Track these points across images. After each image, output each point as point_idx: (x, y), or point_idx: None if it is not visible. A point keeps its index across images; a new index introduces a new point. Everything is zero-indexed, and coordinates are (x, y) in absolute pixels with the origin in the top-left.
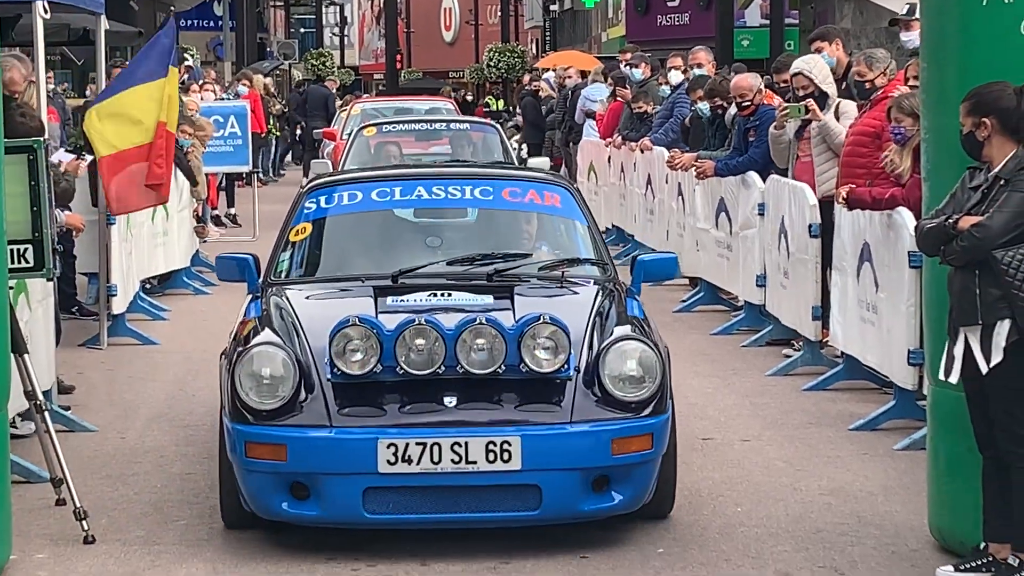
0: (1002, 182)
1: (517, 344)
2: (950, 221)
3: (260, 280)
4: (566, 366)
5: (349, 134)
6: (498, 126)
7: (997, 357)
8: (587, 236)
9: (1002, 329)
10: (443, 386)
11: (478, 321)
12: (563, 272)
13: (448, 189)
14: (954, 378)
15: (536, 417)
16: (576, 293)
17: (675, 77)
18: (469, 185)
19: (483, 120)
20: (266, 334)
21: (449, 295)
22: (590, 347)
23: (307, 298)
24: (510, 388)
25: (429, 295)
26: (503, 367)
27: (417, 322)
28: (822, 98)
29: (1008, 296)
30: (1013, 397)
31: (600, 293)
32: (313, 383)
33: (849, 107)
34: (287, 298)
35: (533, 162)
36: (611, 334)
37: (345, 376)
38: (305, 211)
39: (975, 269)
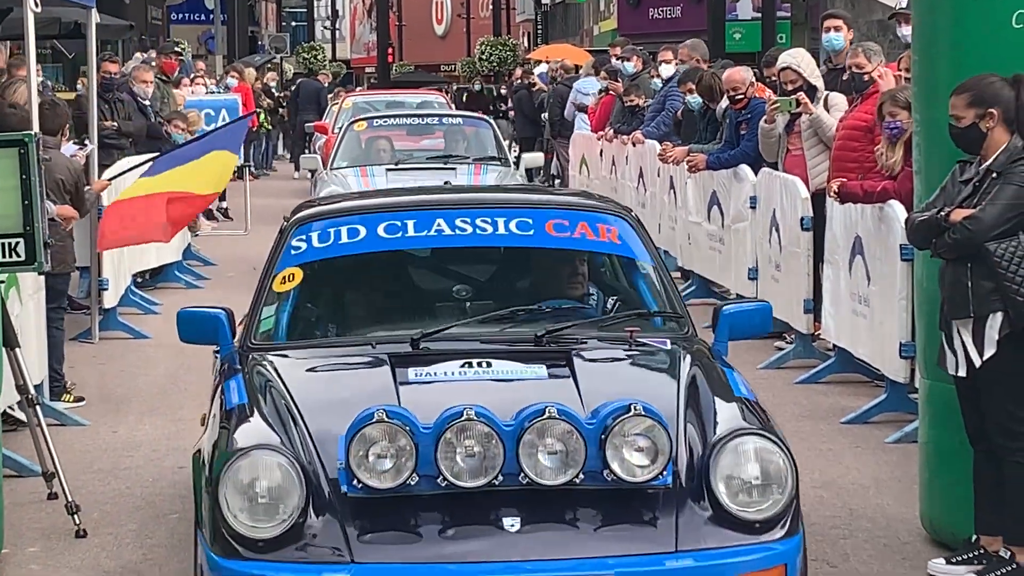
0: (994, 175)
1: (600, 444)
2: (942, 214)
3: (236, 343)
4: (664, 472)
5: (340, 127)
6: (491, 120)
7: (990, 350)
8: (655, 280)
9: (994, 322)
10: (501, 502)
11: (547, 413)
12: (632, 332)
13: (476, 221)
14: (963, 371)
15: (630, 544)
16: (655, 361)
17: (666, 71)
18: (503, 216)
19: (476, 115)
20: (258, 430)
21: (489, 365)
22: (691, 443)
23: (306, 372)
24: (591, 503)
25: (463, 366)
26: (581, 475)
27: (465, 415)
28: (810, 91)
29: (1001, 288)
30: (1006, 390)
31: (686, 360)
32: (325, 500)
33: (838, 99)
34: (277, 372)
35: (527, 158)
36: (719, 424)
37: (368, 490)
38: (293, 252)
39: (967, 262)
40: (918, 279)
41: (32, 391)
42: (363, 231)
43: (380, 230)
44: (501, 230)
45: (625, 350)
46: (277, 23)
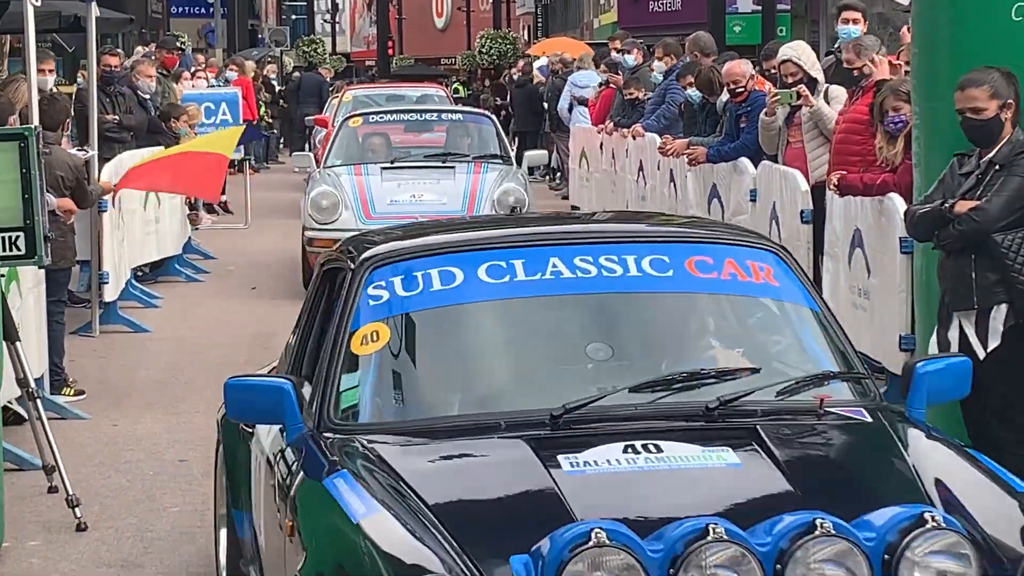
0: (997, 167)
1: (885, 567)
2: (946, 205)
3: (310, 422)
4: None
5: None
6: (493, 116)
7: (994, 342)
8: (823, 331)
9: (999, 313)
10: None
11: (819, 530)
12: (822, 401)
13: (600, 260)
14: None
15: None
16: (867, 439)
17: (659, 67)
18: (632, 253)
19: (477, 110)
20: (418, 553)
21: (658, 449)
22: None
23: (428, 464)
24: None
25: (625, 450)
26: None
27: (711, 533)
28: (811, 84)
29: (1007, 279)
30: (1009, 382)
31: (910, 438)
32: None
33: (838, 92)
34: (387, 465)
35: (530, 156)
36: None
37: None
38: (372, 303)
39: (971, 254)
40: (918, 272)
41: (32, 385)
42: (459, 275)
43: (481, 273)
44: (632, 271)
45: (816, 423)
46: (277, 16)
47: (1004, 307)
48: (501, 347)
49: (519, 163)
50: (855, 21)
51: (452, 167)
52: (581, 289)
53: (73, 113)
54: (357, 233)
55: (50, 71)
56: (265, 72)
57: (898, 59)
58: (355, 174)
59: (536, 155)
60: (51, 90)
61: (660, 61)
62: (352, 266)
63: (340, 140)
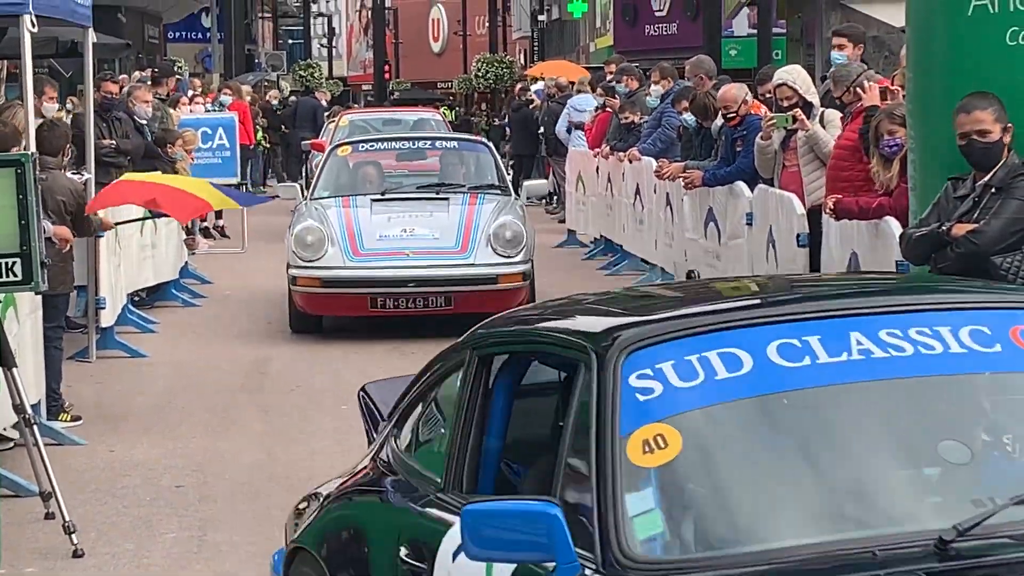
0: (993, 190)
1: None
2: (943, 228)
3: (597, 558)
4: None
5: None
6: (490, 144)
7: None
8: None
9: None
10: None
11: None
12: None
13: (910, 334)
14: None
15: None
16: None
17: (656, 92)
18: (946, 324)
19: (473, 138)
20: None
21: None
22: None
23: None
24: None
25: None
26: None
27: None
28: (806, 108)
29: None
30: None
31: None
32: None
33: (833, 116)
34: None
35: (529, 186)
36: None
37: None
38: (641, 399)
39: (971, 277)
40: None
41: (29, 411)
42: (747, 359)
43: (772, 354)
44: (953, 346)
45: None
46: (274, 41)
47: None
48: (831, 448)
49: (517, 192)
50: (840, 47)
51: (446, 199)
52: (899, 372)
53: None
54: (538, 307)
55: (51, 98)
56: (268, 97)
57: (893, 83)
58: (343, 206)
59: (536, 186)
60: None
61: (657, 85)
62: (593, 349)
63: (328, 170)
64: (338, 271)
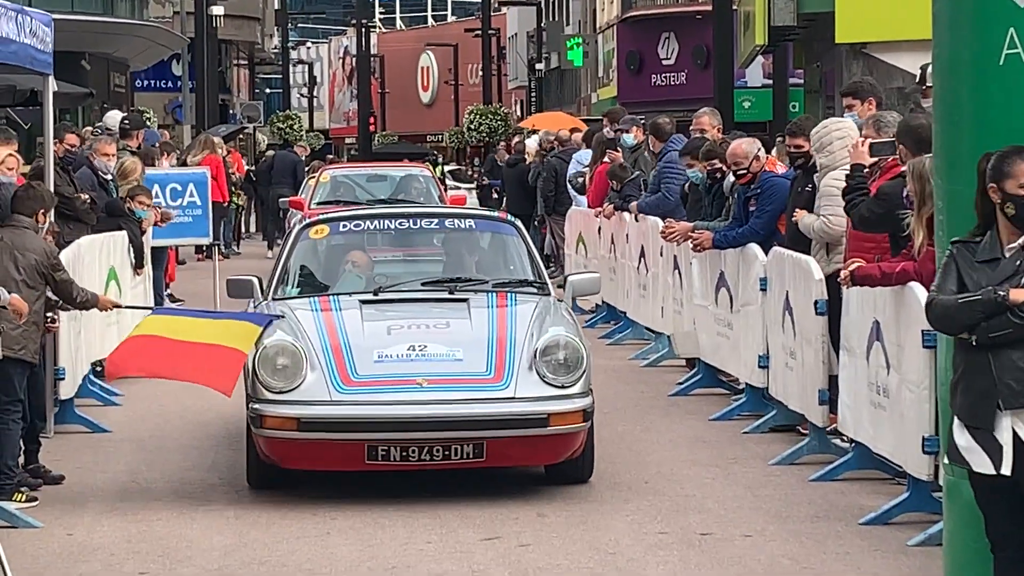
0: None
1: None
2: (1000, 294)
3: None
4: None
5: (318, 203)
6: (519, 224)
7: None
8: None
9: None
10: None
11: None
12: None
13: None
14: (1007, 469)
15: None
16: None
17: (628, 140)
18: None
19: (495, 214)
20: None
21: None
22: None
23: None
24: None
25: None
26: None
27: None
28: (809, 166)
29: None
30: None
31: None
32: None
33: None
34: None
35: (576, 281)
36: None
37: None
38: None
39: None
40: (942, 368)
41: None
42: None
43: None
44: None
45: None
46: (250, 91)
47: None
48: None
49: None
50: (850, 107)
51: (464, 300)
52: None
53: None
54: None
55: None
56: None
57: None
58: (322, 310)
59: (586, 281)
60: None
61: (629, 134)
62: None
63: (297, 257)
64: (322, 408)
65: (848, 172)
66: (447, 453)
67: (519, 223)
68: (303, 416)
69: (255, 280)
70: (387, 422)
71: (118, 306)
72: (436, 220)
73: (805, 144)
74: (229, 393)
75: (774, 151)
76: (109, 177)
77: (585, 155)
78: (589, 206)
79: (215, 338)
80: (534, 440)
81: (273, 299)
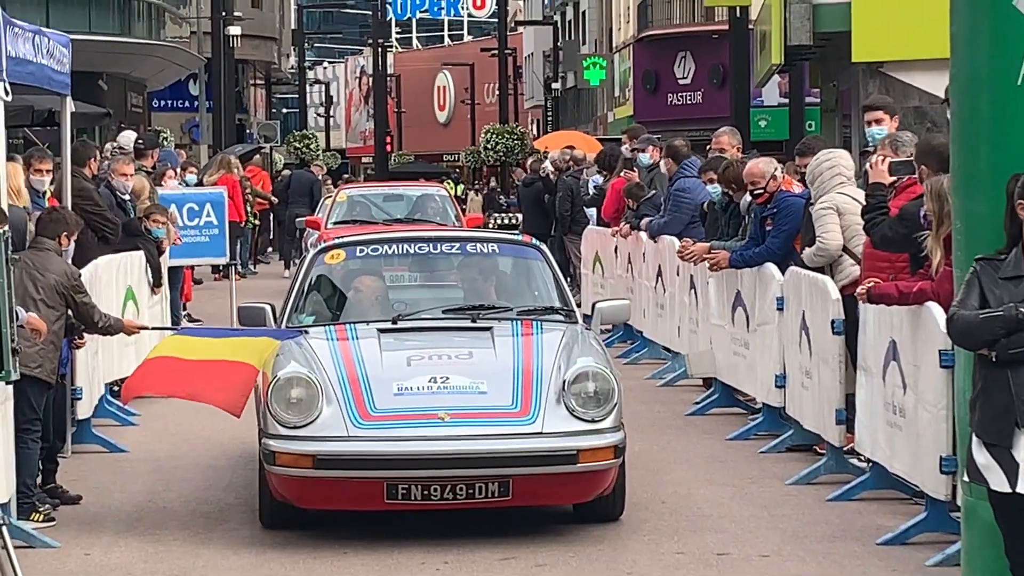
0: None
1: None
2: (1021, 310)
3: None
4: None
5: (335, 223)
6: (544, 248)
7: None
8: None
9: None
10: None
11: None
12: None
13: None
14: (1023, 487)
15: None
16: None
17: (644, 159)
18: None
19: (519, 238)
20: None
21: None
22: None
23: None
24: None
25: None
26: None
27: None
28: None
29: None
30: None
31: None
32: None
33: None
34: None
35: (604, 308)
36: None
37: None
38: None
39: None
40: (959, 387)
41: None
42: None
43: None
44: None
45: None
46: (267, 110)
47: None
48: None
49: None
50: (878, 121)
51: (488, 328)
52: None
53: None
54: None
55: (48, 171)
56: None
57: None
58: (338, 339)
59: (615, 308)
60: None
61: (645, 153)
62: None
63: (312, 283)
64: (339, 444)
65: (868, 192)
66: (471, 492)
67: (544, 247)
68: (319, 453)
69: (267, 308)
70: (408, 459)
71: (144, 328)
72: (457, 244)
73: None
74: (238, 414)
75: (780, 170)
76: (127, 197)
77: (599, 179)
78: (601, 218)
79: (229, 354)
80: (563, 478)
81: (287, 326)
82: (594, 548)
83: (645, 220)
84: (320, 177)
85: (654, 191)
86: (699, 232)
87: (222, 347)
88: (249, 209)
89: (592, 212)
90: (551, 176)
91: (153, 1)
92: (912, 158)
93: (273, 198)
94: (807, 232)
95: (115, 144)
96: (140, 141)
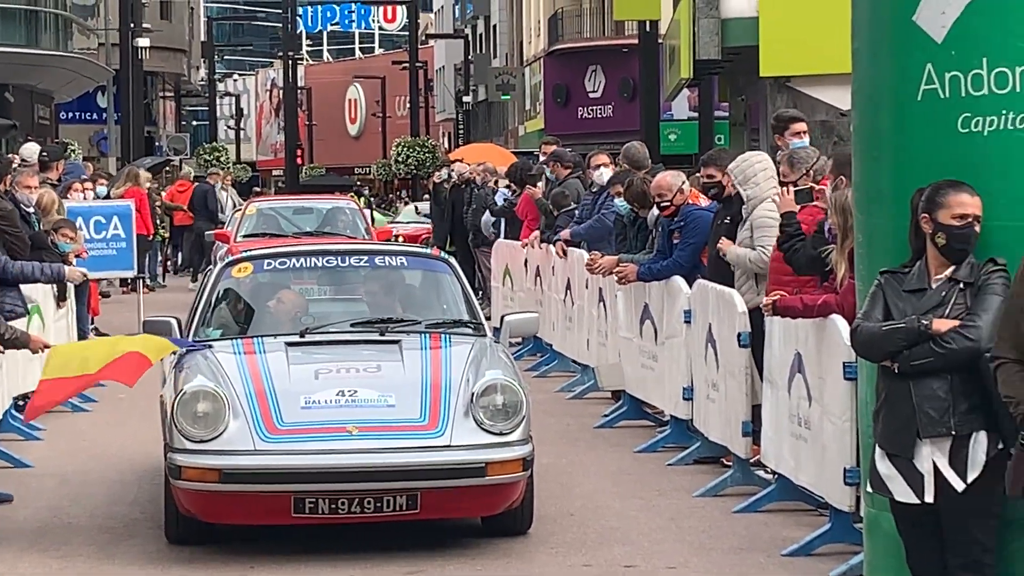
0: (961, 285)
1: None
2: (924, 323)
3: None
4: None
5: (244, 236)
6: (452, 262)
7: (974, 472)
8: None
9: (978, 442)
10: None
11: None
12: None
13: None
14: (930, 496)
15: None
16: None
17: (604, 175)
18: None
19: (428, 252)
20: None
21: None
22: None
23: None
24: None
25: None
26: None
27: None
28: (727, 199)
29: (996, 404)
30: (980, 518)
31: None
32: None
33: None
34: None
35: (512, 321)
36: None
37: None
38: None
39: (947, 376)
40: (862, 400)
41: None
42: None
43: None
44: None
45: None
46: (176, 122)
47: (983, 434)
48: None
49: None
50: (804, 133)
51: (396, 341)
52: None
53: None
54: None
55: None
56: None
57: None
58: (245, 352)
59: (523, 321)
60: None
61: (607, 168)
62: None
63: (219, 296)
64: (245, 458)
65: (782, 222)
66: (379, 505)
67: (453, 260)
68: (225, 467)
69: (173, 321)
70: (315, 472)
71: (48, 346)
72: (365, 257)
73: (717, 174)
74: (131, 384)
75: (685, 183)
76: (31, 210)
77: (506, 192)
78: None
79: (124, 349)
80: (471, 491)
81: (194, 339)
82: (502, 561)
83: (566, 232)
84: (219, 185)
85: (575, 205)
86: (608, 245)
87: (116, 345)
88: (158, 222)
89: (498, 223)
90: (459, 186)
91: (60, 12)
92: (808, 186)
93: (185, 208)
94: (719, 236)
95: (16, 157)
96: (44, 153)
